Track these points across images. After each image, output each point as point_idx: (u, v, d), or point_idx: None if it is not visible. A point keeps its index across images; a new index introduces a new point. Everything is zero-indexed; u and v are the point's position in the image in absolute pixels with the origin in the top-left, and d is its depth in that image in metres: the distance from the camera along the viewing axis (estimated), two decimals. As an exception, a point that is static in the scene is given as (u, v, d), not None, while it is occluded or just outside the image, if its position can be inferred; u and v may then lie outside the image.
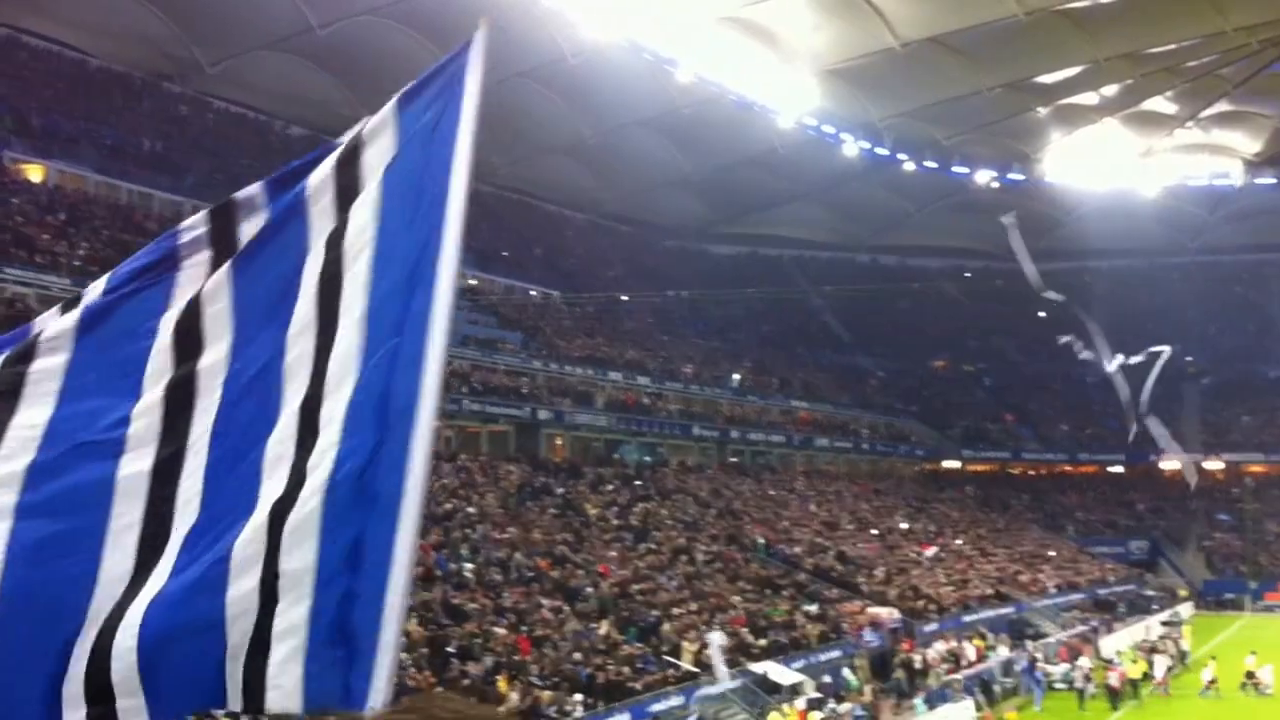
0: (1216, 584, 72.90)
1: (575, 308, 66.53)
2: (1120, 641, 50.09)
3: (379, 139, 3.57)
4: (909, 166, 73.51)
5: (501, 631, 31.49)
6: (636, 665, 32.63)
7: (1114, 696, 38.69)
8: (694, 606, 38.38)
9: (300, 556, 3.20)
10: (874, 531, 58.88)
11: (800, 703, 33.10)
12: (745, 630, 37.33)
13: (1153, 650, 45.06)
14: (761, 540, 50.05)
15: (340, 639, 3.18)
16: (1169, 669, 42.14)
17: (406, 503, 3.20)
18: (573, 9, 51.24)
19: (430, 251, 3.43)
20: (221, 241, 3.65)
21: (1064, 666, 41.28)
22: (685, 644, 34.55)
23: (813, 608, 42.40)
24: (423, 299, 3.37)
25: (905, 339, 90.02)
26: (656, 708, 30.91)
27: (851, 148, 68.70)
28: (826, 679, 36.36)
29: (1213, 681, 38.92)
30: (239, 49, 55.60)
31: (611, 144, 67.43)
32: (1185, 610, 63.90)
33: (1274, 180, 79.74)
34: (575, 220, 78.31)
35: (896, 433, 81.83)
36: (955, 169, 76.01)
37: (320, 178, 3.60)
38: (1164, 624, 55.57)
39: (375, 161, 3.55)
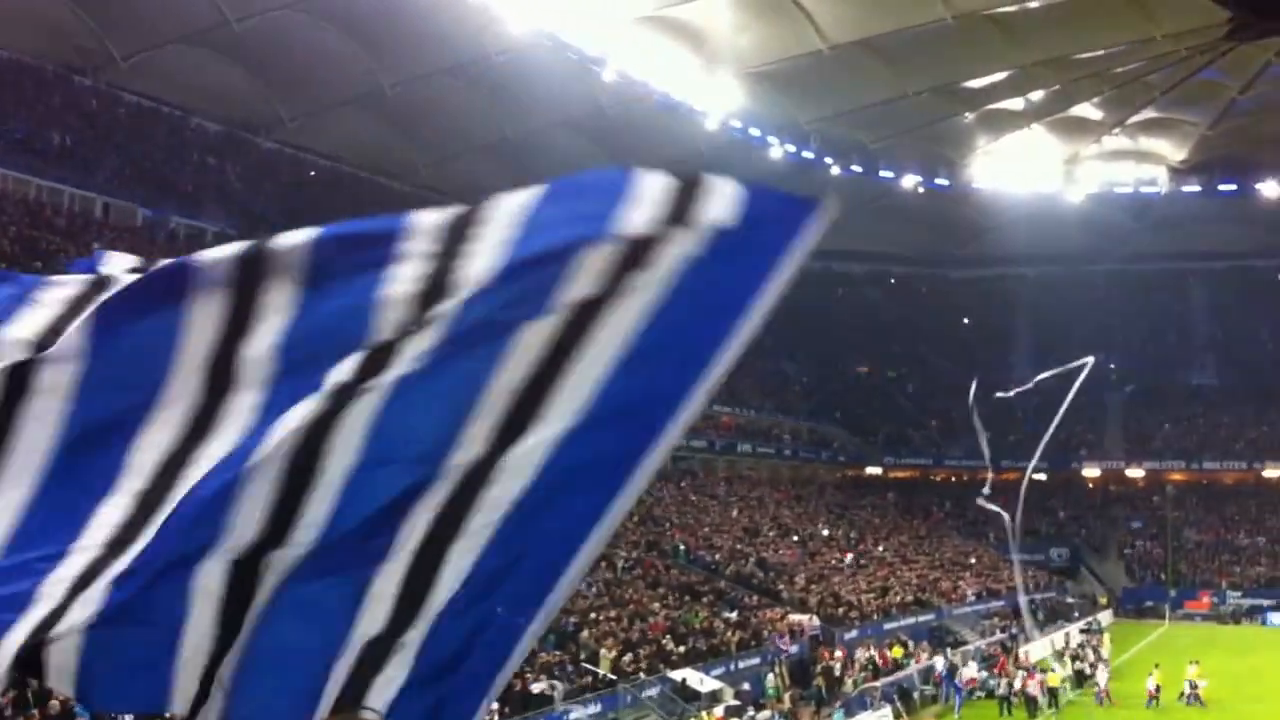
0: (1136, 592, 73.40)
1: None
2: (1040, 649, 50.03)
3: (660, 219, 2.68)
4: (835, 170, 73.28)
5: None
6: (554, 673, 31.83)
7: (1032, 705, 38.41)
8: (613, 613, 37.65)
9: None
10: (795, 538, 58.47)
11: (719, 710, 32.53)
12: (665, 637, 36.66)
13: (1075, 658, 45.01)
14: (682, 546, 49.42)
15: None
16: (1086, 676, 42.03)
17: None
18: (498, 5, 50.34)
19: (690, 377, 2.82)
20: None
21: (982, 674, 40.98)
22: (604, 651, 33.82)
23: (733, 614, 41.82)
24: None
25: (829, 344, 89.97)
26: (575, 716, 30.21)
27: (777, 150, 68.33)
28: (746, 686, 35.80)
29: (1159, 689, 38.67)
30: (153, 42, 54.05)
31: (535, 144, 66.43)
32: (1104, 618, 64.18)
33: (1199, 188, 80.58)
34: (499, 221, 77.35)
35: (819, 438, 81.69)
36: (882, 173, 75.98)
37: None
38: (1083, 631, 55.69)
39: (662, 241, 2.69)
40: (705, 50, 57.79)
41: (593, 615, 36.82)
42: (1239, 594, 71.08)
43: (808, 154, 70.22)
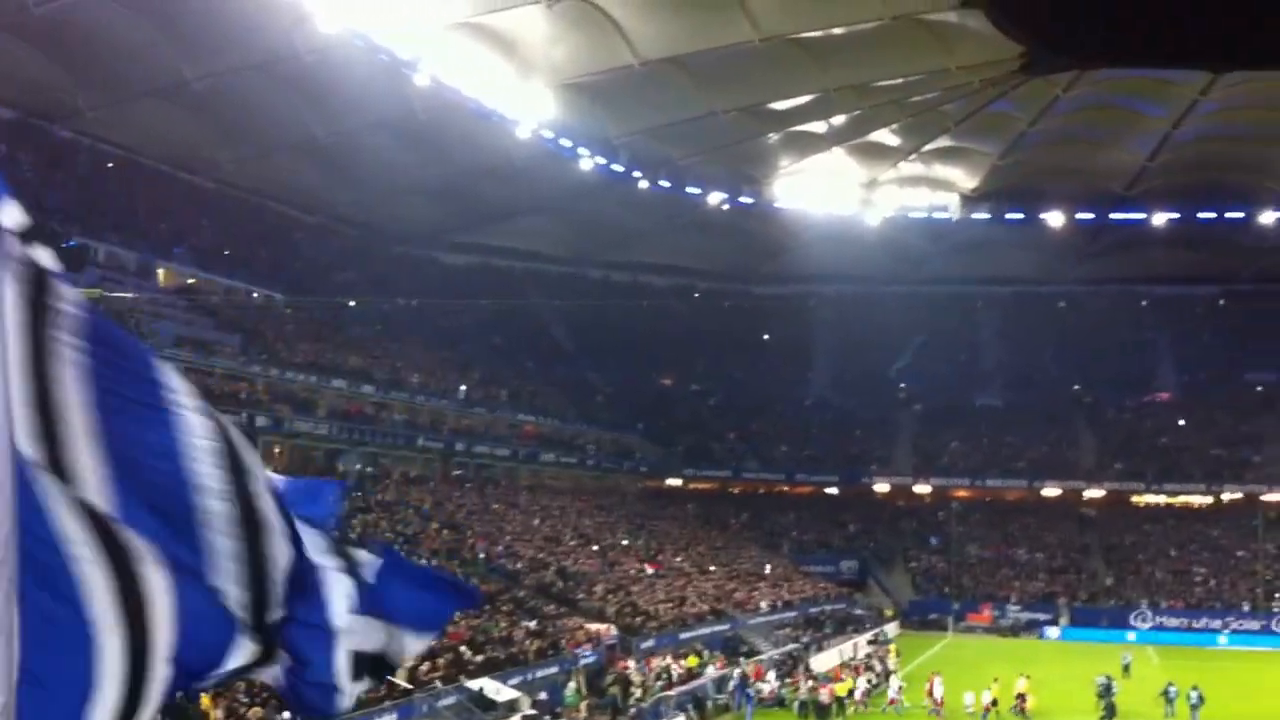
0: (921, 604, 75.82)
1: (300, 312, 64.36)
2: (829, 659, 51.40)
3: None
4: (643, 184, 74.06)
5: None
6: (347, 682, 31.31)
7: (823, 712, 39.43)
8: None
9: None
10: (595, 547, 58.80)
11: (516, 719, 32.54)
12: (463, 647, 36.49)
13: (863, 668, 46.33)
14: (483, 555, 49.28)
15: None
16: (871, 685, 43.26)
17: None
18: (309, 2, 49.43)
19: None
20: None
21: (773, 683, 41.87)
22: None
23: (532, 623, 41.87)
24: None
25: (634, 356, 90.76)
26: (369, 725, 29.78)
27: (587, 162, 68.72)
28: (543, 695, 35.91)
29: (995, 702, 39.76)
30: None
31: (345, 145, 65.58)
32: (891, 629, 66.18)
33: (989, 215, 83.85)
34: (305, 222, 75.78)
35: (622, 448, 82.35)
36: (689, 189, 77.06)
37: None
38: (870, 642, 57.33)
39: None
40: (519, 60, 57.82)
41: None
42: (1018, 608, 74.09)
43: (617, 167, 70.81)
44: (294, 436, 54.17)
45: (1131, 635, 67.86)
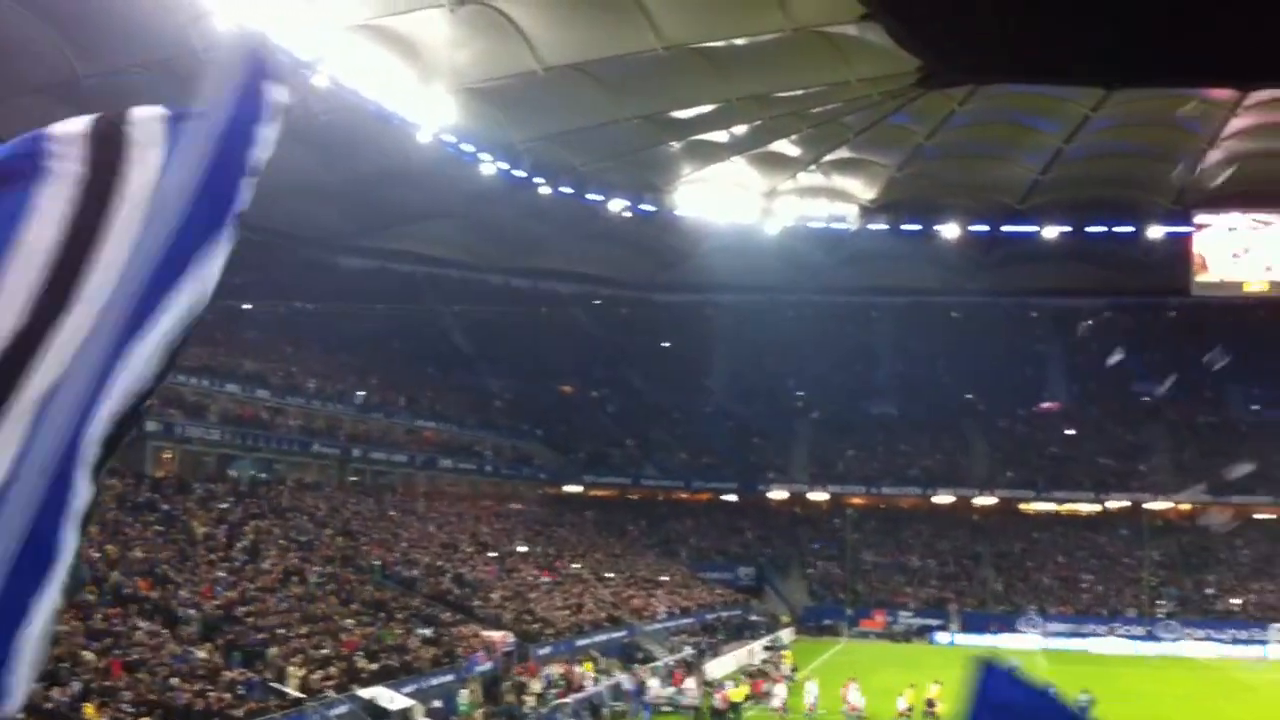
0: (817, 610, 76.61)
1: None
2: (725, 666, 51.74)
3: None
4: (545, 190, 73.99)
5: (91, 656, 29.25)
6: (239, 692, 30.93)
7: (718, 718, 39.68)
8: (304, 630, 36.90)
9: None
10: (493, 554, 58.59)
11: (409, 729, 32.34)
12: (357, 655, 36.18)
13: (759, 674, 46.67)
14: (378, 562, 48.84)
15: None
16: (766, 692, 43.59)
17: None
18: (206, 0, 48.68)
19: None
20: None
21: (669, 690, 42.04)
22: (291, 669, 33.11)
23: (427, 631, 41.61)
24: None
25: (534, 362, 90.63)
26: (258, 736, 29.45)
27: (489, 168, 68.45)
28: (437, 703, 35.69)
29: (910, 709, 40.08)
30: None
31: (242, 146, 64.49)
32: (786, 635, 66.75)
33: (886, 226, 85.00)
34: (199, 223, 74.46)
35: (521, 455, 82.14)
36: (591, 196, 77.11)
37: None
38: (767, 649, 57.80)
39: None
40: (421, 63, 57.43)
41: (282, 631, 36.01)
42: (910, 614, 75.16)
43: (519, 173, 70.63)
44: (185, 442, 53.27)
45: (1021, 639, 69.20)
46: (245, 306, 67.66)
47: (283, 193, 71.33)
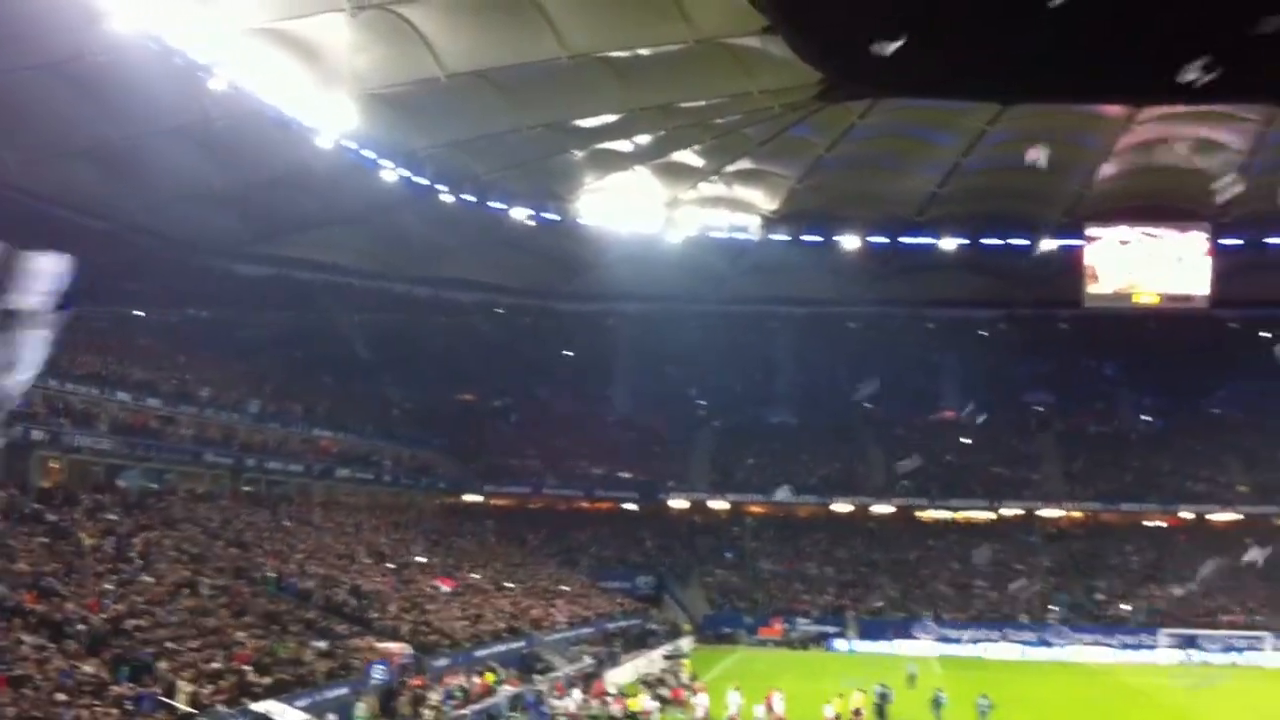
0: (716, 618, 76.98)
1: (82, 321, 61.67)
2: (625, 675, 51.68)
3: None
4: (448, 198, 73.39)
5: (-29, 672, 28.37)
6: (126, 707, 30.15)
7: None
8: (195, 644, 36.10)
9: None
10: (391, 565, 57.94)
11: (302, 743, 31.80)
12: (249, 668, 35.46)
13: (658, 683, 46.65)
14: (272, 574, 48.02)
15: None
16: (665, 701, 43.55)
17: None
18: (102, 1, 47.50)
19: None
20: None
21: (568, 701, 41.80)
22: (182, 683, 32.35)
23: (322, 644, 40.95)
24: None
25: (435, 371, 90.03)
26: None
27: (391, 174, 67.69)
28: (333, 717, 35.16)
29: (837, 717, 40.02)
30: None
31: (137, 150, 63.13)
32: (686, 644, 66.90)
33: (788, 237, 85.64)
34: (92, 228, 72.72)
35: (421, 465, 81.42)
36: (493, 204, 76.65)
37: None
38: (666, 657, 57.86)
39: None
40: (321, 68, 56.59)
41: (171, 645, 35.20)
42: (808, 621, 75.79)
43: (421, 180, 69.96)
44: (73, 451, 51.99)
45: (917, 645, 70.05)
46: (137, 313, 66.31)
47: (177, 198, 70.21)
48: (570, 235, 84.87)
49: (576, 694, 42.19)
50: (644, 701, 41.59)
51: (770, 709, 40.36)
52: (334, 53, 55.39)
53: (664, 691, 45.12)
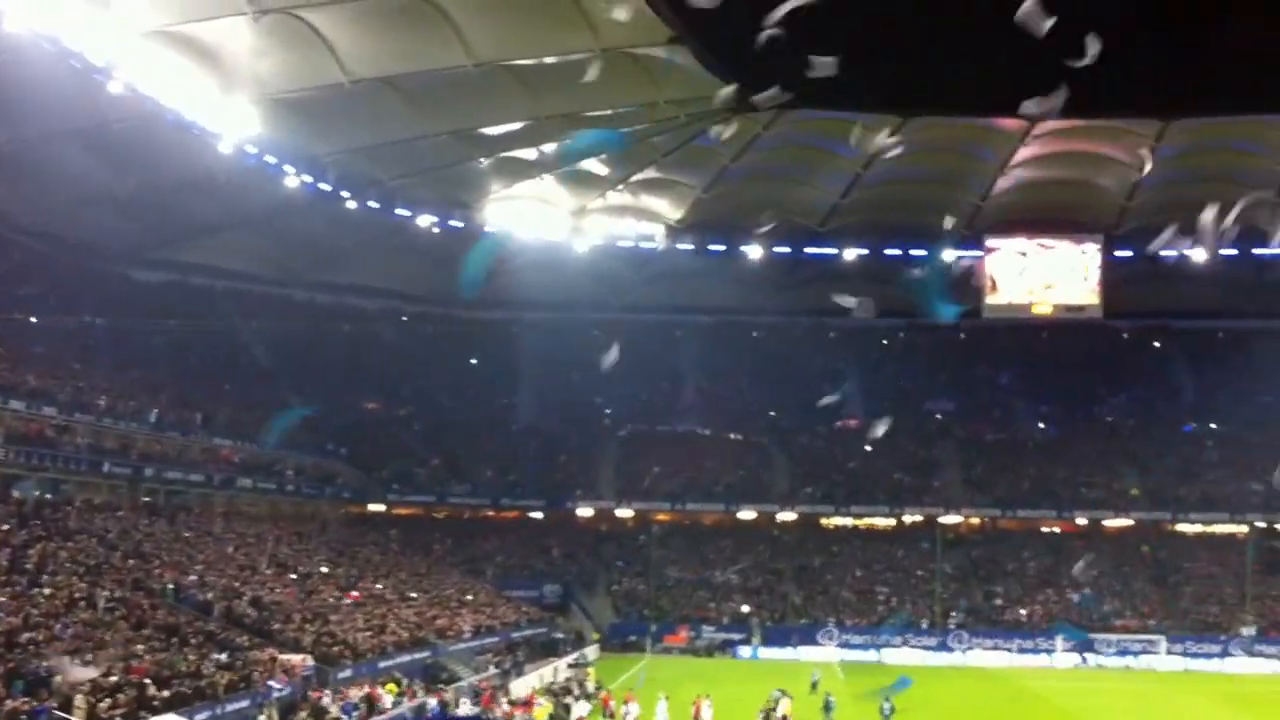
0: (622, 627, 77.11)
1: (-27, 328, 60.30)
2: (530, 684, 51.57)
3: None
4: (352, 204, 72.78)
5: None
6: (21, 722, 29.54)
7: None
8: (90, 656, 35.42)
9: None
10: (293, 576, 57.28)
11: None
12: (148, 681, 34.86)
13: (563, 691, 46.59)
14: (172, 585, 47.26)
15: None
16: (567, 707, 43.54)
17: None
18: (-9, -1, 46.47)
19: None
20: None
21: (473, 711, 41.60)
22: (79, 697, 31.74)
23: (222, 656, 40.38)
24: None
25: (339, 379, 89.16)
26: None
27: (294, 180, 67.00)
28: (233, 731, 34.74)
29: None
30: None
31: (30, 153, 61.75)
32: (592, 652, 66.89)
33: (693, 246, 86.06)
34: (-17, 232, 71.12)
35: (323, 474, 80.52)
36: (398, 211, 76.11)
37: None
38: (571, 666, 57.82)
39: None
40: (222, 72, 55.84)
41: (68, 659, 34.51)
42: (713, 629, 76.17)
43: (325, 186, 69.34)
44: (-35, 461, 50.75)
45: (820, 651, 70.75)
46: (31, 320, 64.84)
47: (74, 203, 68.81)
48: (475, 243, 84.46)
49: (489, 703, 41.98)
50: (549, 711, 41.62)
51: (698, 717, 40.45)
52: (236, 57, 54.69)
53: (569, 701, 45.06)
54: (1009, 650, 73.65)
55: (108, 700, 32.03)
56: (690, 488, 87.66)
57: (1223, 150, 75.93)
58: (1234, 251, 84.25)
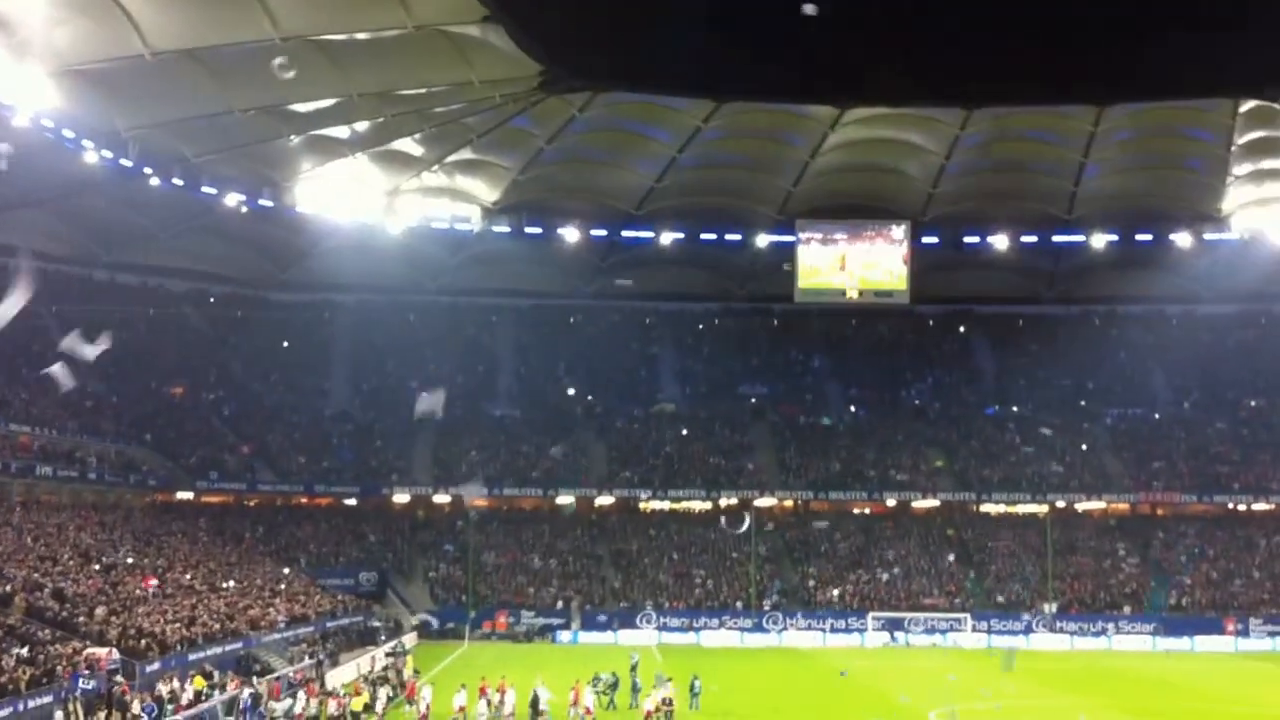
0: (440, 614, 76.35)
1: None
2: (346, 674, 50.70)
3: None
4: (154, 181, 70.15)
5: None
6: None
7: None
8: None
9: None
10: (97, 566, 55.16)
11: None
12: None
13: (380, 681, 45.87)
14: (-35, 578, 45.06)
15: None
16: (389, 698, 42.87)
17: None
18: None
19: None
20: None
21: (286, 702, 40.62)
22: None
23: (23, 650, 38.65)
24: None
25: (142, 363, 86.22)
26: None
27: (92, 156, 64.25)
28: (33, 728, 33.29)
29: (654, 711, 39.49)
30: None
31: None
32: (409, 640, 66.07)
33: (509, 229, 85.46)
34: None
35: (128, 461, 77.69)
36: (204, 189, 73.64)
37: None
38: (388, 654, 56.98)
39: None
40: (15, 41, 53.18)
41: None
42: (532, 614, 76.05)
43: (126, 162, 66.61)
44: None
45: (639, 634, 71.23)
46: None
47: None
48: (286, 223, 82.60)
49: (302, 695, 40.97)
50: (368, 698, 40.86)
51: (576, 703, 39.95)
52: (29, 24, 51.95)
53: (388, 690, 44.34)
54: (822, 630, 75.24)
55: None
56: (507, 473, 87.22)
57: (1021, 140, 78.87)
58: (1034, 239, 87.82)
